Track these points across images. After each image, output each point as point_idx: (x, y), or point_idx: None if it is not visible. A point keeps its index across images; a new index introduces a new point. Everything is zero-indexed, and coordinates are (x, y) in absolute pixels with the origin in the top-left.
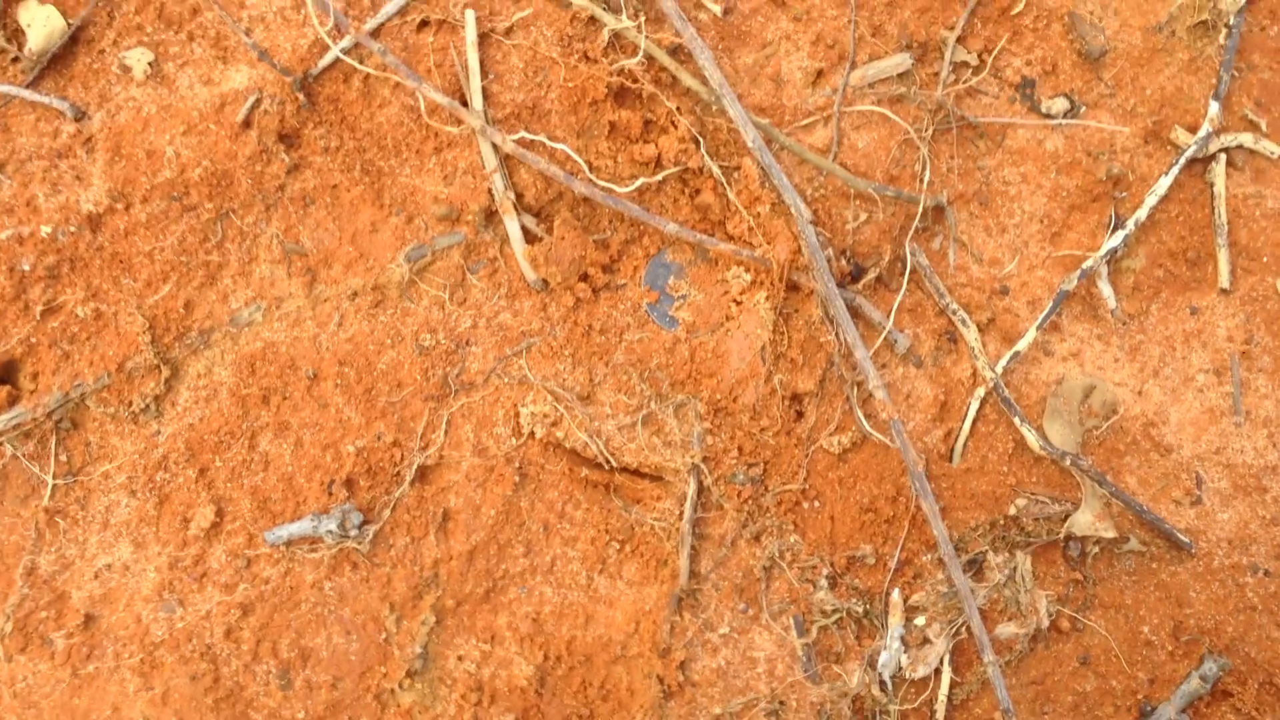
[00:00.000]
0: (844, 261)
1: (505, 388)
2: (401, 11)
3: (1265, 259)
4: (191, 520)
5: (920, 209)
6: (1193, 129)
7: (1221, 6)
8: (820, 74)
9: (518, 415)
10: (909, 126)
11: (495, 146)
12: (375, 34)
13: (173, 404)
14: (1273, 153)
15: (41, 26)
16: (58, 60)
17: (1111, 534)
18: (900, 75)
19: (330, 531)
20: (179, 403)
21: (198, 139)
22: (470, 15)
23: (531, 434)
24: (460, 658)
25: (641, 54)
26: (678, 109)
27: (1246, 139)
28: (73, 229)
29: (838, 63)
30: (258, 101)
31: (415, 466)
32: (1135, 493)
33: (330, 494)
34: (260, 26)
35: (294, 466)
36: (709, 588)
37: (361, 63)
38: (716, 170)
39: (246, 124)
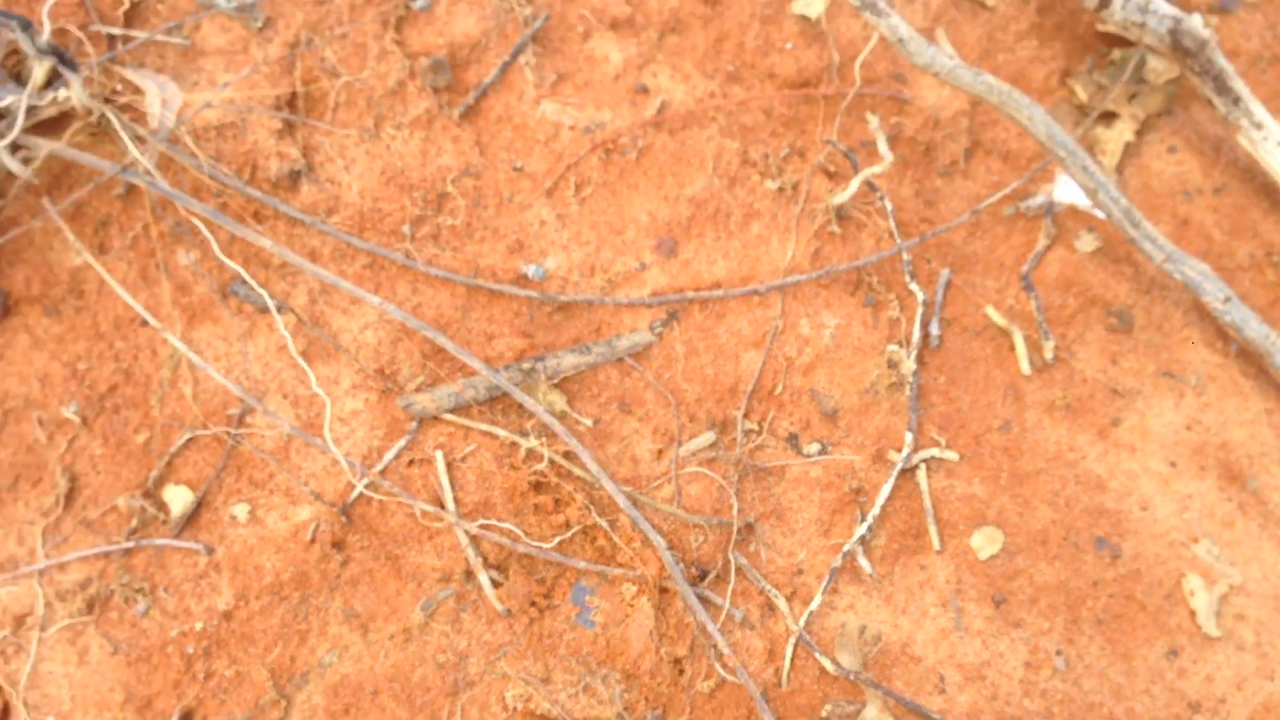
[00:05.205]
0: (693, 569)
1: (494, 681)
2: (396, 457)
3: (960, 526)
4: None
5: (734, 528)
6: (899, 450)
7: (903, 371)
8: (660, 452)
9: (504, 697)
10: (720, 478)
11: (466, 532)
12: (383, 473)
13: None
14: (953, 458)
15: (179, 500)
16: (190, 518)
17: None
18: (710, 445)
19: None
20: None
21: (283, 554)
22: (439, 455)
23: (515, 708)
24: None
25: (547, 460)
26: (574, 490)
27: (934, 451)
28: (215, 622)
29: (670, 443)
30: (317, 526)
31: None
32: (902, 691)
33: None
34: (313, 479)
35: None
36: None
37: (376, 492)
38: (604, 524)
39: (312, 540)
